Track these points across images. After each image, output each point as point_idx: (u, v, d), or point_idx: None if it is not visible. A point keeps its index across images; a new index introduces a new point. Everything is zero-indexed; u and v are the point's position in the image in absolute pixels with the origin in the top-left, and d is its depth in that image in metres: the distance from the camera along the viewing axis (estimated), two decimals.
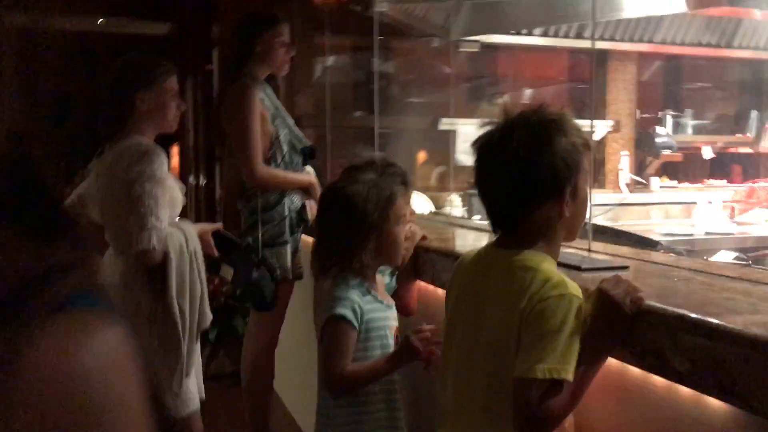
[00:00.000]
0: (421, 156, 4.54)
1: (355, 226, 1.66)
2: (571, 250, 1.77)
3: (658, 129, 4.67)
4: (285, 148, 2.81)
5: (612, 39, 4.56)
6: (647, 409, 1.30)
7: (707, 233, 3.78)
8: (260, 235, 2.74)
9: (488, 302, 1.31)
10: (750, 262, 2.87)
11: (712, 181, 4.97)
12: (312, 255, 1.77)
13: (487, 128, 1.28)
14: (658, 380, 1.26)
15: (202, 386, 2.43)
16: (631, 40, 4.58)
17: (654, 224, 4.31)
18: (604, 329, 1.22)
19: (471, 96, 5.30)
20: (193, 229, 2.52)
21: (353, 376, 1.65)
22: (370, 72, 5.52)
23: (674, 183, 4.86)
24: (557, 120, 1.24)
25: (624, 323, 1.21)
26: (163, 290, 2.37)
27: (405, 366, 1.70)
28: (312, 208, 2.84)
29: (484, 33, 4.40)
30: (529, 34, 4.44)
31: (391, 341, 1.75)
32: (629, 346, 1.24)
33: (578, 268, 1.53)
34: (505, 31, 4.43)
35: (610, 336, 1.23)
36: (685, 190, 4.78)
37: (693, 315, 1.14)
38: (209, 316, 2.49)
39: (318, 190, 2.89)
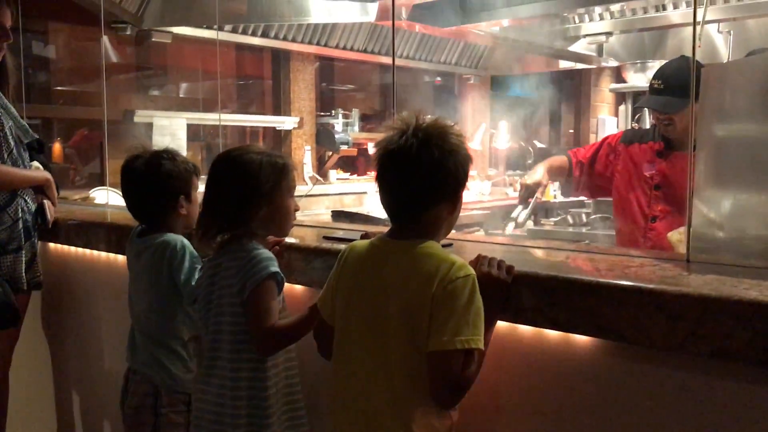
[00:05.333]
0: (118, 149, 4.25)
1: (249, 193, 1.66)
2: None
3: (336, 126, 5.11)
4: (11, 142, 2.46)
5: (294, 40, 4.84)
6: (515, 355, 1.57)
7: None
8: None
9: (391, 289, 1.41)
10: None
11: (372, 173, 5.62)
12: (198, 222, 1.72)
13: (394, 134, 1.41)
14: (525, 330, 1.53)
15: None
16: (311, 42, 4.93)
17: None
18: (492, 302, 1.43)
19: (141, 86, 5.15)
20: None
21: (283, 330, 1.65)
22: (32, 56, 4.95)
23: (347, 175, 5.38)
24: (459, 134, 1.44)
25: (505, 292, 1.47)
26: None
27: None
28: (50, 208, 2.54)
29: (176, 24, 4.33)
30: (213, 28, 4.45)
31: None
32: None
33: None
34: (197, 25, 4.42)
35: (497, 306, 1.46)
36: (357, 182, 5.32)
37: (564, 275, 1.43)
38: None
39: (54, 188, 2.59)
